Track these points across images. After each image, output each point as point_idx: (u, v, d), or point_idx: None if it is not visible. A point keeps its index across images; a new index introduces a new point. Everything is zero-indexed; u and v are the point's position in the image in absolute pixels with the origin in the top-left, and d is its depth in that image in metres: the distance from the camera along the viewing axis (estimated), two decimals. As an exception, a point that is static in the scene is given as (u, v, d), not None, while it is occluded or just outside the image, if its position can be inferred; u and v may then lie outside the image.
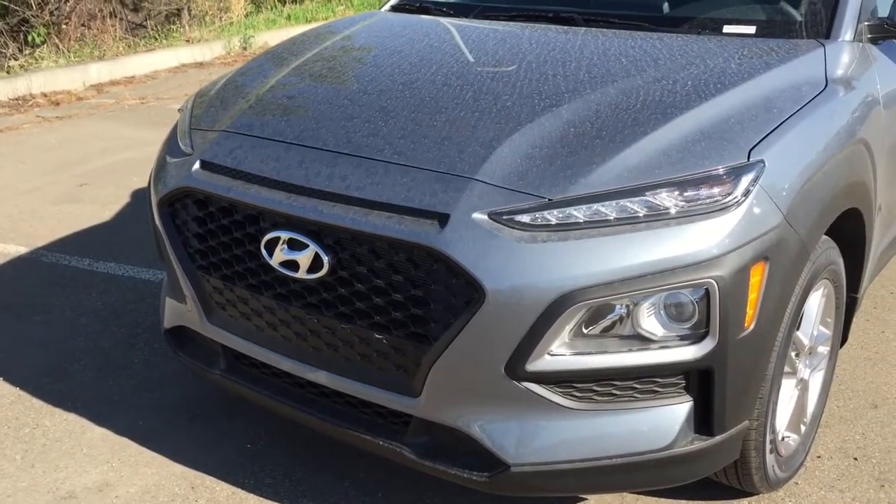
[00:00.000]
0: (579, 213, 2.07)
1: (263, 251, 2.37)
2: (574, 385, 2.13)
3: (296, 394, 2.54)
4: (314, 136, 2.46)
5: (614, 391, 2.14)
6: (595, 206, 2.08)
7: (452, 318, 2.10)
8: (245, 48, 11.00)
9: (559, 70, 2.58)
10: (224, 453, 2.89)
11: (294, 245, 2.30)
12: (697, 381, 2.15)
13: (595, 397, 2.15)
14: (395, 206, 2.17)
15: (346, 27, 3.38)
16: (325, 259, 2.25)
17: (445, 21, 3.32)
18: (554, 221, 2.07)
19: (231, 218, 2.47)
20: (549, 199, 2.09)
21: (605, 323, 2.08)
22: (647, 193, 2.08)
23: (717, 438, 2.20)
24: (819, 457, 2.83)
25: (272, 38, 11.49)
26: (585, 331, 2.08)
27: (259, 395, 2.60)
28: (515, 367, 2.08)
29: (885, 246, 3.20)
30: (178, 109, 3.03)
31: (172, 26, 11.23)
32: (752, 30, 2.85)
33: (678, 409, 2.17)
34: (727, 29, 2.88)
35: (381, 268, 2.20)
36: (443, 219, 2.10)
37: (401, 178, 2.22)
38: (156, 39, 10.77)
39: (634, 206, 2.07)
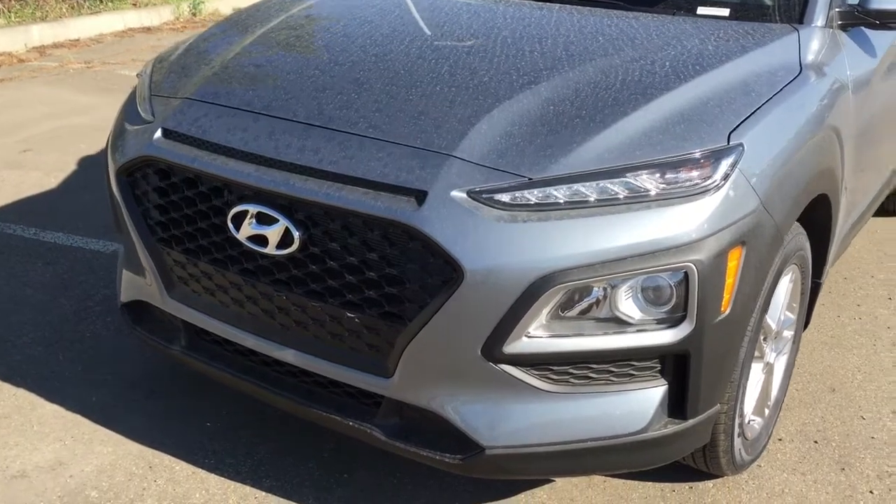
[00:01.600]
0: (559, 194, 2.03)
1: (230, 225, 2.29)
2: (550, 367, 2.10)
3: (261, 372, 2.48)
4: (284, 107, 2.38)
5: (591, 374, 2.12)
6: (575, 187, 2.04)
7: (428, 298, 2.05)
8: (194, 14, 10.75)
9: (536, 47, 2.53)
10: (183, 432, 2.82)
11: (263, 219, 2.23)
12: (673, 365, 2.14)
13: (571, 380, 2.12)
14: (371, 182, 2.11)
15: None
16: (296, 234, 2.18)
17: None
18: (533, 201, 2.03)
19: (195, 189, 2.38)
20: (529, 179, 2.05)
21: (583, 305, 2.05)
22: (627, 175, 2.05)
23: (690, 422, 2.20)
24: (780, 440, 2.86)
25: (222, 4, 11.25)
26: (563, 313, 2.05)
27: (221, 372, 2.53)
28: (492, 349, 2.04)
29: (846, 231, 3.24)
30: (137, 75, 2.91)
31: (118, -11, 10.89)
32: (725, 12, 2.83)
33: (653, 393, 2.16)
34: (701, 10, 2.86)
35: (354, 245, 2.14)
36: (420, 196, 2.05)
37: (376, 152, 2.16)
38: (101, 2, 10.43)
39: (615, 187, 2.04)
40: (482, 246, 2.00)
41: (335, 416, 2.32)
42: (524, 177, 2.06)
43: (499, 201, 2.03)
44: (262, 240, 2.24)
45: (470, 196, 2.04)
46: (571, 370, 2.11)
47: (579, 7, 2.92)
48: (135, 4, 10.53)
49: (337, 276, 2.18)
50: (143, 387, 3.05)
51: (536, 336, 2.05)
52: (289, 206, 2.20)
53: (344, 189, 2.12)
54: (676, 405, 2.18)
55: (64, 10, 9.74)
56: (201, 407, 2.94)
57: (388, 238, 2.09)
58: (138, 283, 2.68)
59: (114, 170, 2.56)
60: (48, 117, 6.29)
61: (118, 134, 2.67)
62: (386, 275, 2.11)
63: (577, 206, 2.02)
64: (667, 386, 2.16)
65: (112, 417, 2.88)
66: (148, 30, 9.92)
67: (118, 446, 2.74)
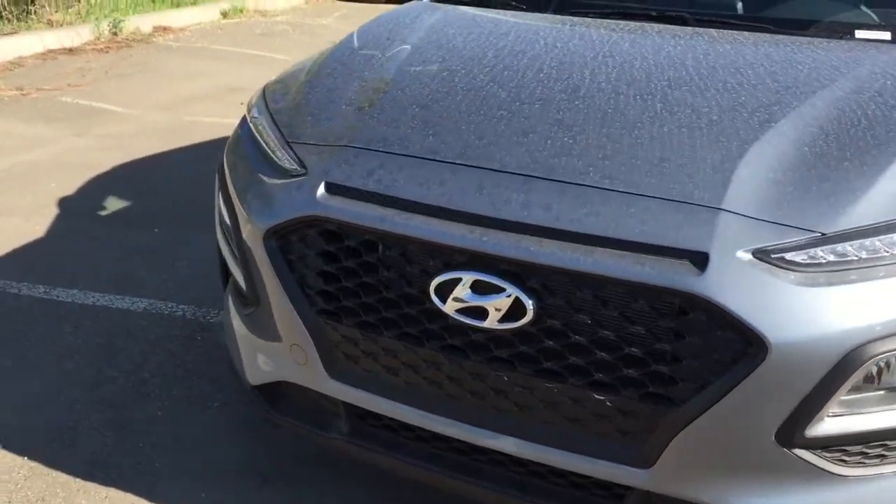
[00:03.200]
0: (855, 251, 1.78)
1: (433, 295, 1.95)
2: (845, 449, 1.85)
3: (455, 461, 2.14)
4: (484, 156, 2.05)
5: (885, 452, 1.87)
6: (869, 242, 1.79)
7: (712, 377, 1.77)
8: (115, 33, 10.04)
9: (741, 79, 2.27)
10: (325, 529, 2.43)
11: (481, 288, 1.90)
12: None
13: (865, 461, 1.87)
14: (629, 243, 1.81)
15: (411, 23, 2.92)
16: (529, 305, 1.86)
17: (533, 18, 2.95)
18: (828, 260, 1.77)
19: (380, 255, 2.03)
20: (822, 234, 1.79)
21: (885, 376, 1.80)
22: None
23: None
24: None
25: (143, 23, 10.60)
26: (862, 386, 1.80)
27: (403, 463, 2.17)
28: (791, 433, 1.77)
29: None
30: (251, 118, 2.51)
31: (30, 7, 10.07)
32: (887, 36, 2.66)
33: (943, 467, 1.93)
34: (859, 34, 2.67)
35: (608, 316, 1.83)
36: (698, 258, 1.76)
37: (626, 208, 1.86)
38: (9, 21, 9.62)
39: None
40: (785, 315, 1.72)
41: (567, 512, 2.00)
42: (815, 232, 1.79)
43: (792, 262, 1.77)
44: (477, 312, 1.91)
45: (756, 257, 1.77)
46: (865, 450, 1.86)
47: (735, 32, 2.68)
48: (50, 23, 9.77)
49: (583, 352, 1.87)
50: (252, 475, 2.63)
51: (838, 415, 1.79)
52: (519, 274, 1.88)
53: (595, 252, 1.81)
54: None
55: (-28, 31, 8.93)
56: (332, 496, 2.55)
57: (656, 308, 1.80)
58: (280, 362, 2.28)
59: (258, 232, 2.16)
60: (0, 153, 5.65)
61: (247, 187, 2.28)
62: (652, 350, 1.81)
63: (877, 263, 1.78)
64: (955, 457, 1.94)
65: (234, 517, 2.46)
66: (70, 51, 9.18)
67: (259, 554, 2.33)
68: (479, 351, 1.97)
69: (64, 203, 4.80)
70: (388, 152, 2.12)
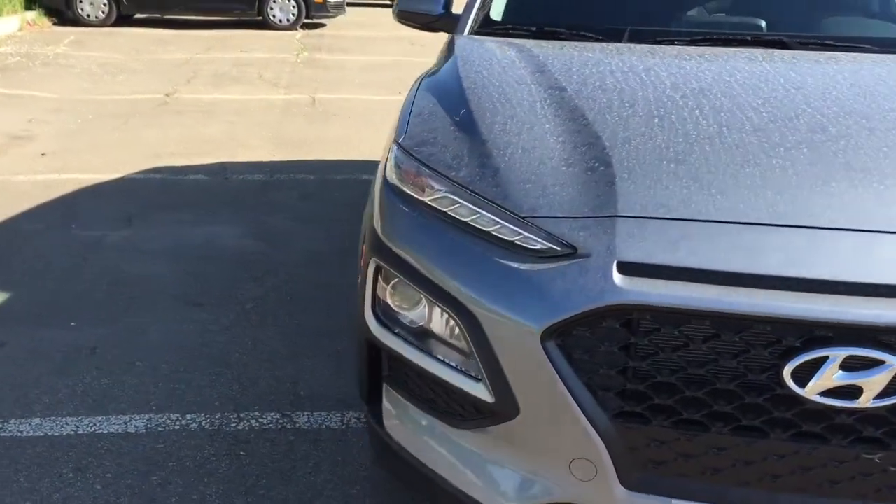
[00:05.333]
0: None
1: (788, 380, 1.70)
2: None
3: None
4: (803, 212, 1.81)
5: None
6: None
7: None
8: None
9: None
10: None
11: (854, 365, 1.68)
12: None
13: None
14: None
15: (516, 63, 2.58)
16: (914, 376, 1.67)
17: (648, 52, 2.73)
18: None
19: (711, 340, 1.73)
20: None
21: None
22: None
23: None
24: None
25: None
26: None
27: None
28: None
29: None
30: (433, 193, 2.04)
31: None
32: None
33: None
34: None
35: None
36: None
37: None
38: None
39: None
40: None
41: None
42: None
43: None
44: (846, 391, 1.69)
45: None
46: None
47: (843, 54, 2.65)
48: None
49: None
50: None
51: None
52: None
53: None
54: None
55: None
56: None
57: None
58: (551, 482, 1.89)
59: (530, 332, 1.77)
60: None
61: (481, 278, 1.87)
62: None
63: None
64: None
65: None
66: None
67: None
68: (843, 434, 1.74)
69: (14, 282, 3.83)
70: (682, 219, 1.82)
